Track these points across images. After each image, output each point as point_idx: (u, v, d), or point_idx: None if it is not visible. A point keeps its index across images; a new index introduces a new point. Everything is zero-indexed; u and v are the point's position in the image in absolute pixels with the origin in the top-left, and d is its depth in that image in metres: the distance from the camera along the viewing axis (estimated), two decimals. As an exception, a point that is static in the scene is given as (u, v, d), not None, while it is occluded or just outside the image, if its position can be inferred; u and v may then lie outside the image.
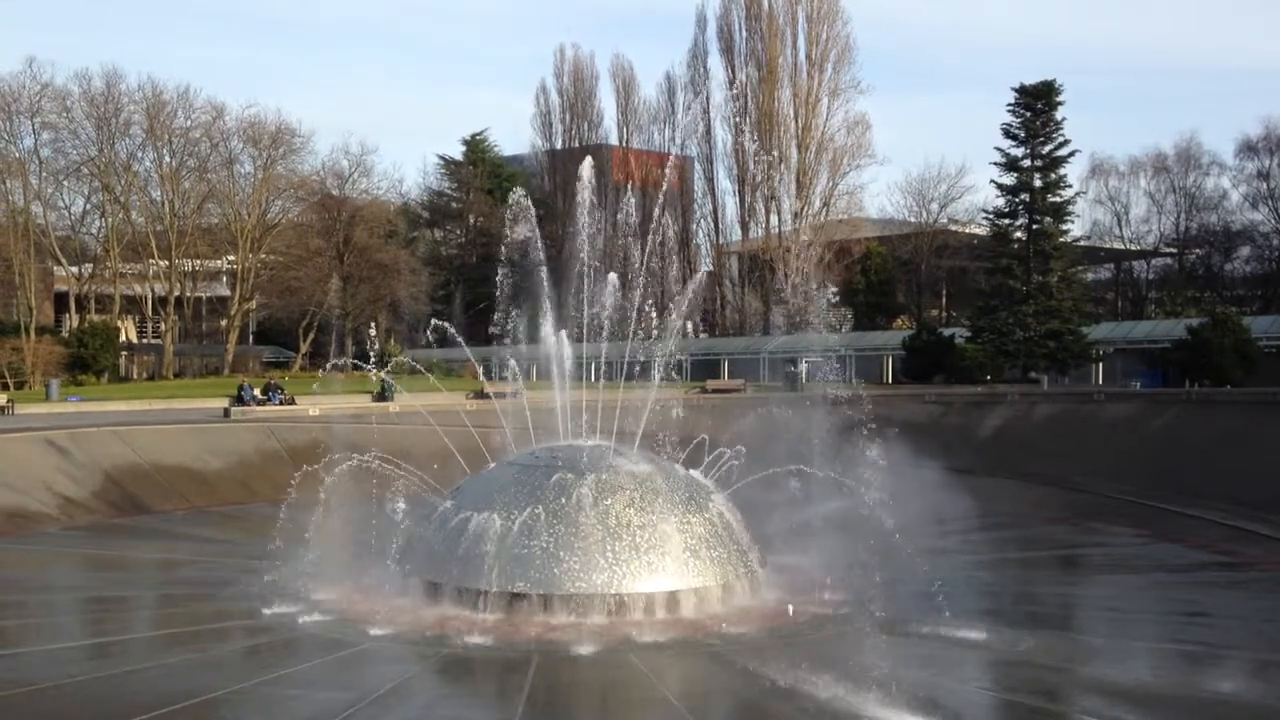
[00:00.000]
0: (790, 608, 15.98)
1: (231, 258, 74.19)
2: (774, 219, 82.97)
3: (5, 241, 63.43)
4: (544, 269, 19.82)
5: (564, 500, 16.12)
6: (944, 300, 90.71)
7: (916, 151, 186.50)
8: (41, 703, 12.22)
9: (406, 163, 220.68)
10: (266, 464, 30.30)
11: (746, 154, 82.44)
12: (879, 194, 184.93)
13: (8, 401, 41.35)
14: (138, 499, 26.58)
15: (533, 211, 20.99)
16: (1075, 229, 63.45)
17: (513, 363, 20.91)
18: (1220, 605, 17.72)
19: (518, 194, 22.85)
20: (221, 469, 29.87)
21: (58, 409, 42.37)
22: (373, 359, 25.84)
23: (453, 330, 21.78)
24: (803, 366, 54.33)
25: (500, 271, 21.87)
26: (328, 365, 33.32)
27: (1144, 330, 62.33)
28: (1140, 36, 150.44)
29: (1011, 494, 26.43)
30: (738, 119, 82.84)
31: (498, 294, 21.58)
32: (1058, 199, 57.53)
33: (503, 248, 22.65)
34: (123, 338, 71.95)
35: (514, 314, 20.59)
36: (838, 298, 74.78)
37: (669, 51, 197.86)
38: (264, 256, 71.83)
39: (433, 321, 23.57)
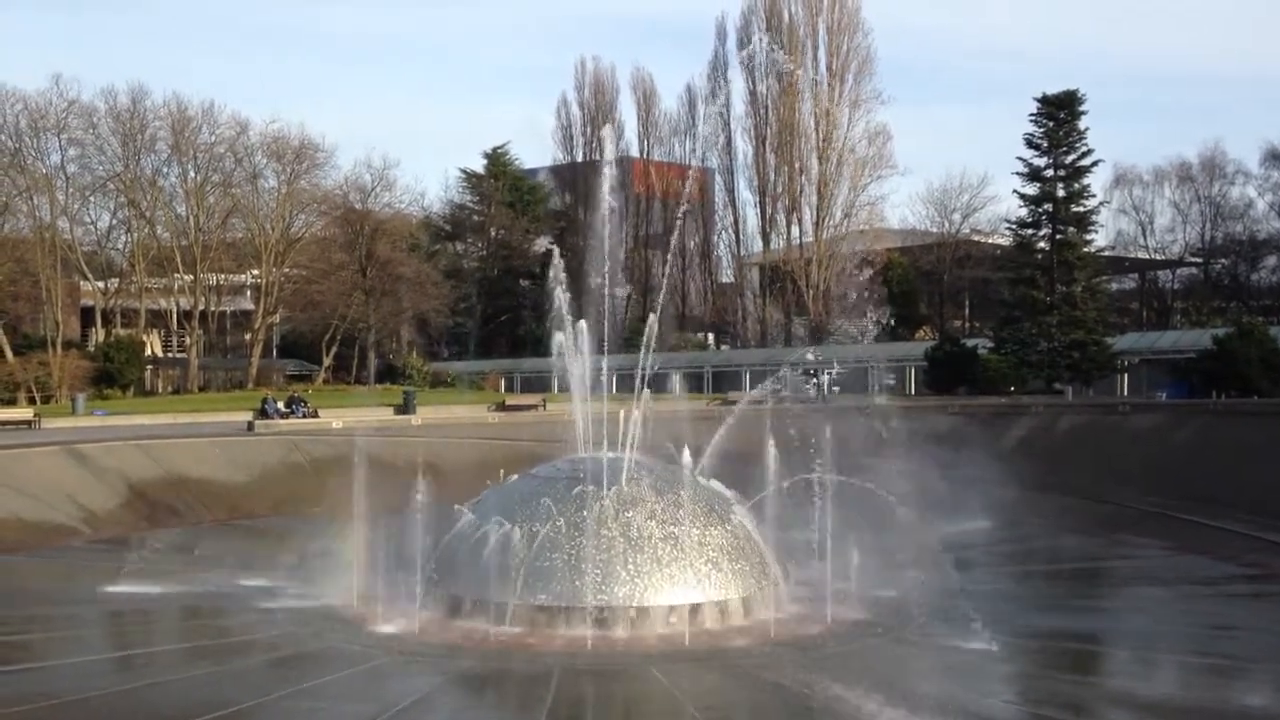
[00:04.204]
0: (813, 620, 15.92)
1: (255, 272, 74.53)
2: (795, 230, 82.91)
3: (32, 257, 63.94)
4: (567, 296, 19.76)
5: (585, 513, 16.13)
6: (967, 311, 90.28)
7: (938, 162, 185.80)
8: (66, 715, 12.31)
9: (428, 176, 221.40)
10: (290, 477, 30.45)
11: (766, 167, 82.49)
12: (900, 205, 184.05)
13: (34, 415, 41.69)
14: (163, 512, 26.74)
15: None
16: (1099, 239, 63.00)
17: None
18: (1247, 618, 17.55)
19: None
20: (246, 482, 30.01)
21: (83, 423, 42.67)
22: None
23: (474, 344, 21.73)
24: (825, 378, 54.20)
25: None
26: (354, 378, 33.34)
27: (1169, 341, 61.80)
28: (1163, 45, 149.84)
29: (1036, 505, 26.24)
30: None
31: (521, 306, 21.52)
32: (1081, 209, 57.17)
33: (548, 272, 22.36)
34: (148, 352, 72.32)
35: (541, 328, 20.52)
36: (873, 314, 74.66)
37: (689, 64, 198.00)
38: (287, 270, 72.13)
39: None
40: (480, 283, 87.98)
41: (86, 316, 76.45)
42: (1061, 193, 56.75)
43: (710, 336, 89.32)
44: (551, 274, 19.60)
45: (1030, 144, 57.01)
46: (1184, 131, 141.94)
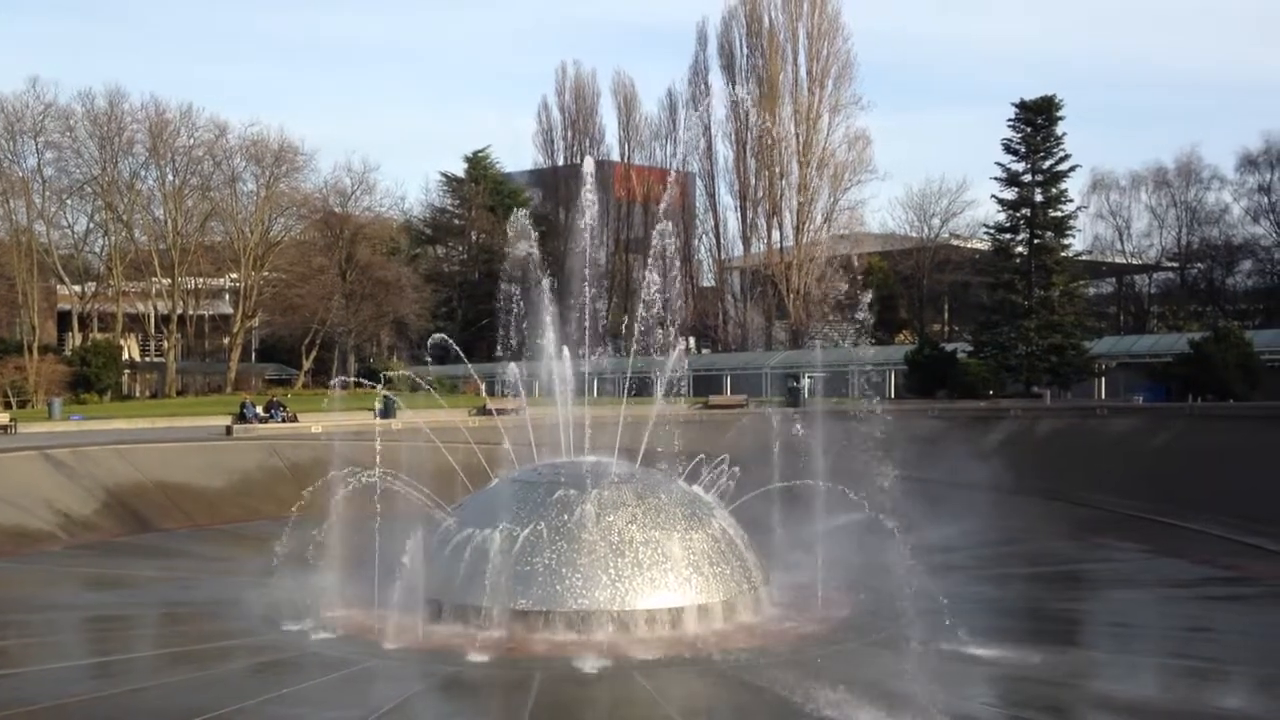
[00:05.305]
0: (795, 624, 15.94)
1: (234, 275, 74.33)
2: (776, 234, 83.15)
3: (8, 260, 63.59)
4: (545, 285, 19.81)
5: (566, 517, 16.10)
6: (946, 315, 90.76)
7: (918, 167, 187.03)
8: (44, 722, 12.21)
9: (409, 180, 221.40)
10: (269, 481, 30.30)
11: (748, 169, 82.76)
12: (880, 209, 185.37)
13: (10, 420, 41.37)
14: (140, 517, 26.57)
15: (532, 231, 20.92)
16: (1077, 243, 63.58)
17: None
18: (1225, 620, 17.67)
19: (519, 214, 22.84)
20: (224, 487, 29.85)
21: (60, 428, 42.38)
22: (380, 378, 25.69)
23: (456, 348, 21.81)
24: (805, 382, 54.32)
25: (502, 288, 21.84)
26: (332, 383, 33.45)
27: (1146, 344, 62.31)
28: (1141, 51, 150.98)
29: (1015, 509, 26.34)
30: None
31: (499, 309, 21.51)
32: (1059, 213, 57.57)
33: (504, 267, 22.63)
34: (125, 356, 72.04)
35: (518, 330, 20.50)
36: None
37: (670, 68, 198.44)
38: (267, 274, 71.96)
39: (433, 337, 23.48)
40: (461, 286, 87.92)
41: (63, 321, 76.06)
42: (1039, 197, 57.14)
43: (691, 340, 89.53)
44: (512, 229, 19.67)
45: (1008, 149, 57.40)
46: (1161, 137, 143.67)
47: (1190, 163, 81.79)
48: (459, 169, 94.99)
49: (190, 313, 75.48)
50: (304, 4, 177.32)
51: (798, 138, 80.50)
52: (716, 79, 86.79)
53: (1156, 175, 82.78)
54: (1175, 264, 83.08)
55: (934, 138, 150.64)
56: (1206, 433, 37.02)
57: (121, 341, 70.97)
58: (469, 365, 24.44)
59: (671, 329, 18.99)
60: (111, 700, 13.13)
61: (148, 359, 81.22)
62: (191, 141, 70.15)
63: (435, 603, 16.00)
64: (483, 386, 36.96)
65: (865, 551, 18.03)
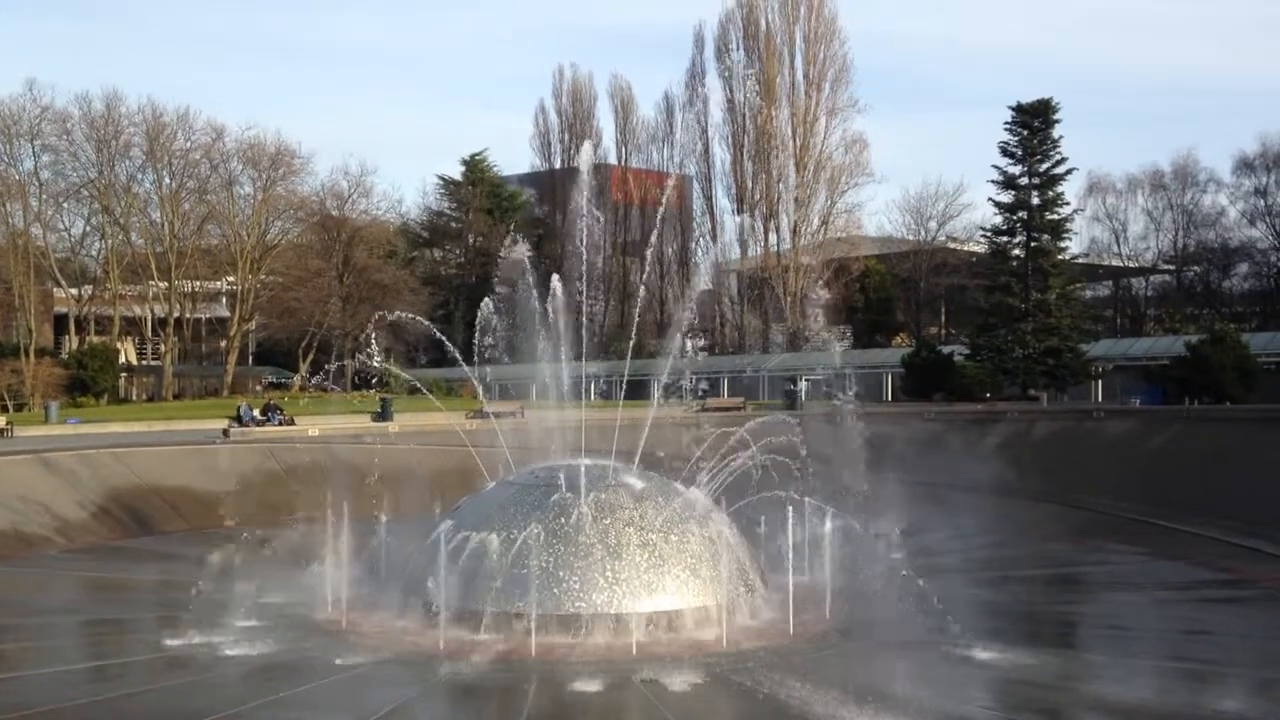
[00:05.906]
0: (791, 626, 15.93)
1: (231, 279, 74.22)
2: (773, 237, 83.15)
3: (5, 263, 63.47)
4: (534, 292, 19.78)
5: (563, 520, 16.10)
6: (943, 318, 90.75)
7: (914, 170, 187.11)
8: (40, 726, 12.19)
9: (406, 183, 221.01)
10: (266, 484, 30.28)
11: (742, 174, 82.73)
12: (877, 212, 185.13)
13: (7, 424, 41.34)
14: (137, 520, 26.56)
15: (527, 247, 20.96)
16: (1073, 246, 63.54)
17: None
18: (1221, 623, 17.70)
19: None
20: (220, 490, 29.80)
21: (57, 431, 42.33)
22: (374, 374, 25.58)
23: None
24: (802, 384, 54.31)
25: (494, 293, 21.84)
26: (321, 371, 33.32)
27: (1143, 347, 62.35)
28: (1137, 54, 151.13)
29: (1012, 512, 26.37)
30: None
31: (484, 315, 21.41)
32: (1056, 216, 57.56)
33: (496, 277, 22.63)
34: (122, 359, 71.84)
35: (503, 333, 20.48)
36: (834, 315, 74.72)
37: (667, 72, 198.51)
38: (263, 277, 71.85)
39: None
40: (458, 289, 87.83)
41: (60, 324, 75.91)
42: (1036, 200, 57.11)
43: (688, 343, 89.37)
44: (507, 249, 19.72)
45: (1005, 152, 57.35)
46: (1157, 140, 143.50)
47: (1187, 166, 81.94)
48: (456, 172, 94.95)
49: (187, 316, 75.36)
50: (303, 5, 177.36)
51: (795, 141, 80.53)
52: (714, 82, 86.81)
53: (1153, 178, 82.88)
54: (1172, 267, 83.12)
55: (931, 141, 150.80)
56: (1203, 435, 37.02)
57: (118, 345, 70.82)
58: (466, 367, 24.35)
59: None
60: (108, 704, 13.11)
61: (144, 362, 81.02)
62: (188, 145, 70.13)
63: (432, 606, 15.99)
64: (480, 389, 36.88)
65: (863, 554, 18.04)
